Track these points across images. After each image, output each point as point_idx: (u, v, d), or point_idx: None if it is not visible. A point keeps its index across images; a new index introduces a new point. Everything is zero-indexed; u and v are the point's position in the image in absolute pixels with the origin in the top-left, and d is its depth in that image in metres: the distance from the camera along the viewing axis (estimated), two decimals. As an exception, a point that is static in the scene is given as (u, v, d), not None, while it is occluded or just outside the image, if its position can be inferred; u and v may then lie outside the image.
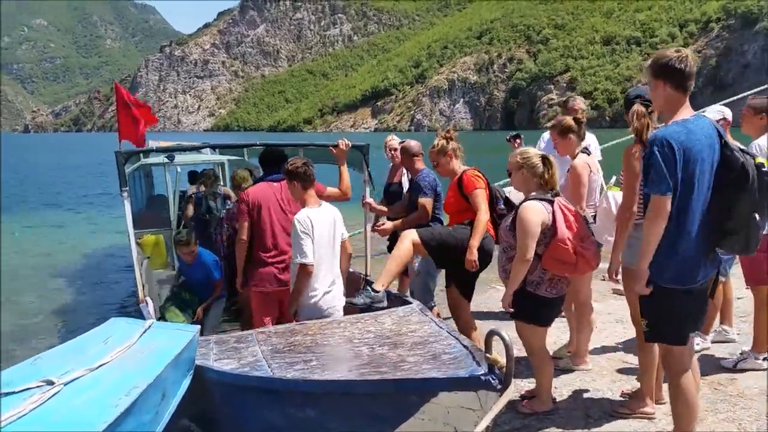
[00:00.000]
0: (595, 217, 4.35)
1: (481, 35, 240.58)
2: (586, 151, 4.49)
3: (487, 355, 2.61)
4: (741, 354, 4.51)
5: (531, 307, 3.70)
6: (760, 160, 3.00)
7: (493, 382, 2.52)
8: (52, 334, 6.98)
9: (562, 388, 4.28)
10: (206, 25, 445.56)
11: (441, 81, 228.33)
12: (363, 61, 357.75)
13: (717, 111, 4.46)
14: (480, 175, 4.50)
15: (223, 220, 6.54)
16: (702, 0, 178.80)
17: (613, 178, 4.86)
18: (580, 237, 3.58)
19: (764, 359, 4.42)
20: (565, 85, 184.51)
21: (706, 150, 2.88)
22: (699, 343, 4.56)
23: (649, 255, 2.91)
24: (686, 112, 2.97)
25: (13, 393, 2.42)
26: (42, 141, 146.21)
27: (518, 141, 6.76)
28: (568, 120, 4.39)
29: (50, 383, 2.49)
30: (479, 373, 2.55)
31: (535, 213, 3.56)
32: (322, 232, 4.06)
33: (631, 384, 4.23)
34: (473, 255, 4.23)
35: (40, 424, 2.25)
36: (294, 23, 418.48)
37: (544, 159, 3.70)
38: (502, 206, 4.59)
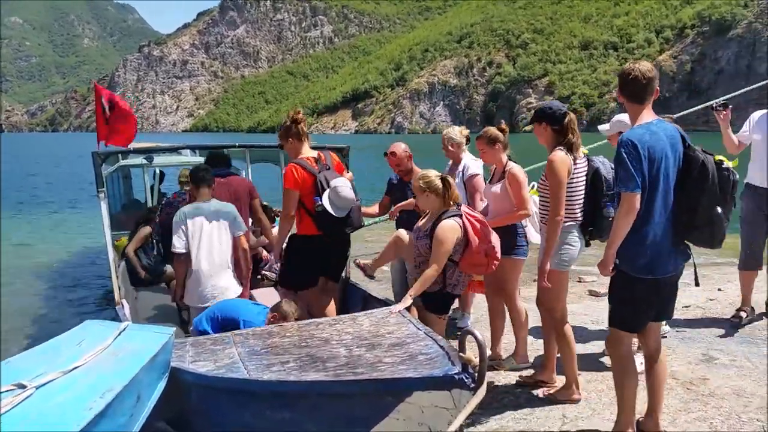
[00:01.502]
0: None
1: (461, 39, 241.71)
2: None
3: (461, 354, 2.63)
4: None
5: (443, 304, 4.25)
6: (719, 158, 3.25)
7: (466, 381, 2.55)
8: (25, 337, 6.84)
9: (538, 389, 4.32)
10: (185, 26, 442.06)
11: (421, 84, 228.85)
12: (344, 63, 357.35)
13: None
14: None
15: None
16: (677, 6, 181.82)
17: (534, 184, 5.04)
18: (486, 239, 4.03)
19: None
20: (543, 89, 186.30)
21: (669, 149, 3.14)
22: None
23: (616, 245, 3.14)
24: (649, 117, 3.22)
25: (-17, 396, 2.36)
26: (17, 141, 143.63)
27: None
28: (494, 130, 4.53)
29: (22, 386, 2.45)
30: (453, 372, 2.57)
31: (452, 231, 3.97)
32: (200, 224, 4.66)
33: (606, 384, 4.28)
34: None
35: (12, 427, 2.21)
36: (274, 24, 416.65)
37: (443, 179, 4.11)
38: None
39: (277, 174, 5.92)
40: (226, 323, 4.10)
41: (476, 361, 2.59)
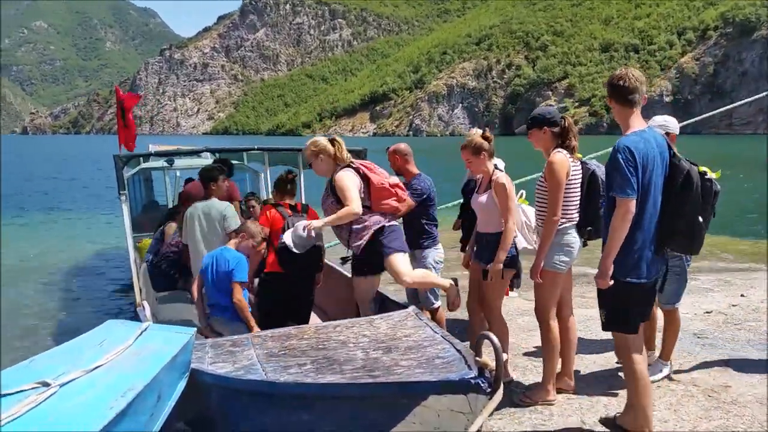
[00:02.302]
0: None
1: (480, 41, 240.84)
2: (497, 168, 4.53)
3: (477, 358, 2.62)
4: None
5: (359, 264, 4.57)
6: (703, 168, 3.42)
7: (482, 385, 2.53)
8: (49, 336, 6.96)
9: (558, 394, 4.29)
10: (206, 29, 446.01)
11: (440, 86, 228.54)
12: (362, 65, 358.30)
13: (661, 124, 4.40)
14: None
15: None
16: (700, 8, 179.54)
17: (522, 192, 5.05)
18: (383, 176, 4.40)
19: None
20: (563, 91, 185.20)
21: (659, 158, 3.27)
22: (662, 370, 4.51)
23: (614, 253, 3.23)
24: (639, 123, 3.34)
25: (9, 394, 2.41)
26: (41, 142, 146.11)
27: None
28: (478, 139, 4.41)
29: (46, 385, 2.48)
30: (469, 377, 2.56)
31: (348, 178, 4.24)
32: (199, 221, 5.03)
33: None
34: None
35: (36, 425, 2.25)
36: (294, 27, 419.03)
37: (332, 141, 4.43)
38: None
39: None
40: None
41: (493, 365, 2.57)
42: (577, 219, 4.03)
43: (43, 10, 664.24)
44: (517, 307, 6.65)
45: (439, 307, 4.96)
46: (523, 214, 4.71)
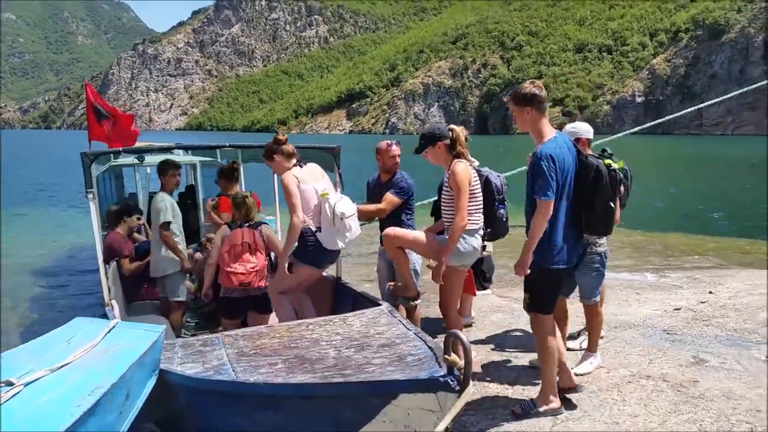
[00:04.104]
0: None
1: (456, 40, 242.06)
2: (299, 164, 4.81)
3: (446, 356, 2.63)
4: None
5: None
6: (608, 161, 3.93)
7: (451, 383, 2.54)
8: (14, 334, 6.81)
9: (531, 390, 4.33)
10: (180, 24, 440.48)
11: (416, 85, 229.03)
12: (339, 62, 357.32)
13: (570, 131, 4.68)
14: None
15: None
16: (672, 10, 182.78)
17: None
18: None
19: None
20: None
21: (571, 158, 3.70)
22: (592, 362, 4.65)
23: (533, 246, 3.62)
24: (550, 130, 3.73)
25: (-29, 394, 2.35)
26: (9, 137, 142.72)
27: None
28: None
29: (9, 384, 2.43)
30: (438, 375, 2.57)
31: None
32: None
33: (597, 385, 4.29)
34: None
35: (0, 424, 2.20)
36: (270, 23, 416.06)
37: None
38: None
39: (268, 173, 5.92)
40: None
41: (461, 363, 2.57)
42: (480, 222, 4.27)
43: (12, 2, 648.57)
44: (491, 304, 6.69)
45: (417, 305, 4.93)
46: (328, 209, 4.58)
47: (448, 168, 4.21)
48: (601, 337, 5.03)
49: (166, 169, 5.72)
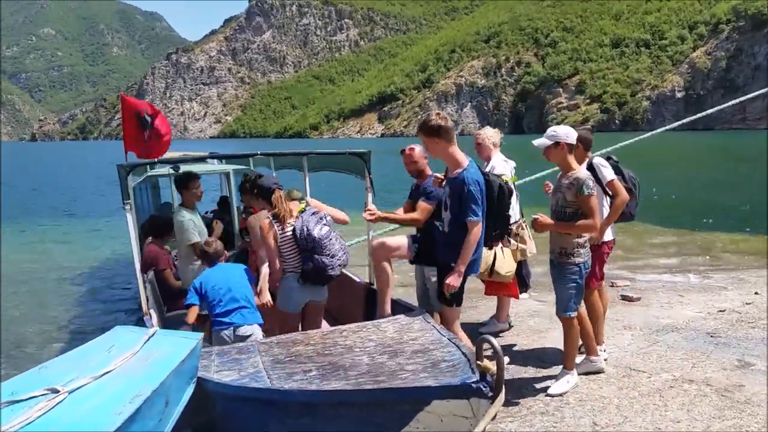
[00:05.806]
0: None
1: (488, 39, 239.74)
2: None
3: (479, 362, 2.62)
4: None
5: None
6: (504, 178, 4.46)
7: (484, 389, 2.54)
8: (57, 343, 7.01)
9: (569, 395, 4.26)
10: (212, 32, 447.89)
11: (448, 85, 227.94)
12: (369, 66, 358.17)
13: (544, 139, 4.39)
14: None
15: None
16: (712, 2, 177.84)
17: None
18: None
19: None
20: (574, 88, 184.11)
21: (482, 180, 4.03)
22: (569, 381, 4.41)
23: (468, 262, 3.95)
24: (463, 156, 4.04)
25: (20, 401, 2.46)
26: (49, 149, 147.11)
27: None
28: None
29: (55, 391, 2.52)
30: (470, 381, 2.57)
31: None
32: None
33: (638, 391, 4.21)
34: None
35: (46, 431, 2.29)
36: (300, 29, 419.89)
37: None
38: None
39: (299, 181, 5.95)
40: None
41: (494, 369, 2.57)
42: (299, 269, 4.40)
43: (51, 17, 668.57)
44: (528, 308, 6.61)
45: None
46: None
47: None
48: (602, 351, 4.81)
49: (186, 181, 5.56)
